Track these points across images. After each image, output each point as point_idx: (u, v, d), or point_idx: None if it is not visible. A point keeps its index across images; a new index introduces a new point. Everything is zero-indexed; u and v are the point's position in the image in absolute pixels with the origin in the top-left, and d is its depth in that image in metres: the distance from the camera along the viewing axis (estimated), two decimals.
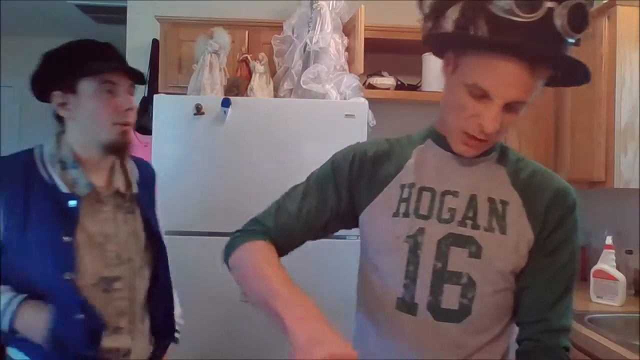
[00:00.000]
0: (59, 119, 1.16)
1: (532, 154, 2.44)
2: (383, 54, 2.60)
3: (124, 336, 1.14)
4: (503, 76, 0.74)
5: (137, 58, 2.68)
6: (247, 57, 2.25)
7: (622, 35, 2.03)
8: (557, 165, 2.44)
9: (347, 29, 2.34)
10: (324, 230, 0.97)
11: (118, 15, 3.16)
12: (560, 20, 0.71)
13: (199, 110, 1.90)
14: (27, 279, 1.08)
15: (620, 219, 2.31)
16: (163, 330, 1.26)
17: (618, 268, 2.02)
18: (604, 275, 2.00)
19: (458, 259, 0.83)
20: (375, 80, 2.48)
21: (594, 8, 2.21)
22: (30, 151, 1.16)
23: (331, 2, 2.28)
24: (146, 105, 2.58)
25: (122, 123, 1.12)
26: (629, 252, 2.16)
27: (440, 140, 0.91)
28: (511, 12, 0.70)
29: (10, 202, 1.07)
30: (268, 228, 0.93)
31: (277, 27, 2.39)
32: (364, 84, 2.40)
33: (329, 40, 2.21)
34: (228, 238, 0.95)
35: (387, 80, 2.50)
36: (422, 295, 0.84)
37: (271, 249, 0.90)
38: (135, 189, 1.22)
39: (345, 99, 2.11)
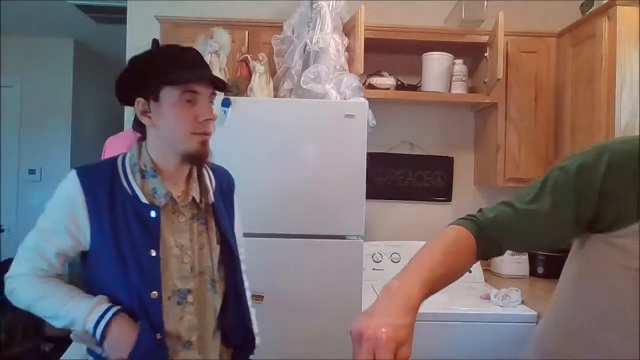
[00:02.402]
0: (141, 126, 1.14)
1: (532, 154, 2.45)
2: (383, 54, 2.61)
3: (194, 352, 1.13)
4: None
5: None
6: (247, 57, 2.25)
7: (622, 35, 2.03)
8: (557, 160, 2.44)
9: (347, 29, 2.34)
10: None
11: (118, 15, 3.16)
12: None
13: None
14: (108, 291, 1.08)
15: None
16: (242, 344, 1.25)
17: None
18: None
19: None
20: (375, 80, 2.48)
21: (594, 8, 2.21)
22: (114, 160, 1.14)
23: (331, 2, 2.28)
24: None
25: (201, 133, 1.10)
26: None
27: None
28: None
29: (97, 212, 1.06)
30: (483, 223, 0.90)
31: (277, 27, 2.39)
32: (364, 84, 2.40)
33: (329, 40, 2.21)
34: None
35: (387, 80, 2.50)
36: None
37: (456, 237, 0.87)
38: (211, 199, 1.19)
39: (345, 99, 2.11)
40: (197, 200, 1.17)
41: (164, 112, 1.08)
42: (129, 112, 2.71)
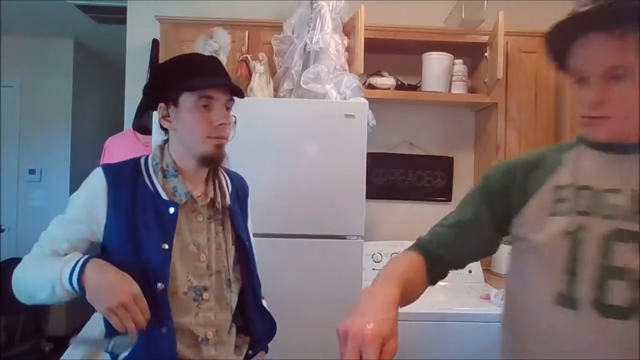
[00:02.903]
0: (164, 129, 1.21)
1: (532, 147, 2.45)
2: (383, 54, 2.61)
3: (210, 347, 1.15)
4: (590, 49, 0.83)
5: (137, 58, 2.69)
6: (247, 57, 2.25)
7: None
8: None
9: (347, 29, 2.34)
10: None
11: (118, 15, 3.16)
12: None
13: None
14: None
15: None
16: (264, 336, 1.31)
17: None
18: None
19: (625, 254, 0.81)
20: (375, 80, 2.48)
21: None
22: (137, 159, 1.21)
23: (331, 2, 2.28)
24: None
25: (215, 137, 1.15)
26: None
27: (593, 143, 0.90)
28: None
29: (116, 206, 1.11)
30: (427, 245, 1.03)
31: (277, 27, 2.39)
32: (364, 84, 2.40)
33: (329, 40, 2.21)
34: None
35: (387, 80, 2.50)
36: (584, 290, 0.83)
37: (409, 259, 0.98)
38: (228, 202, 1.25)
39: (345, 99, 2.11)
40: (216, 202, 1.22)
41: (182, 117, 1.15)
42: (128, 113, 2.71)
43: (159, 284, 1.08)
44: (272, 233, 1.93)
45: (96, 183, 1.13)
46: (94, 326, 1.61)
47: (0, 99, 4.02)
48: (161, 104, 1.17)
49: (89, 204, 1.12)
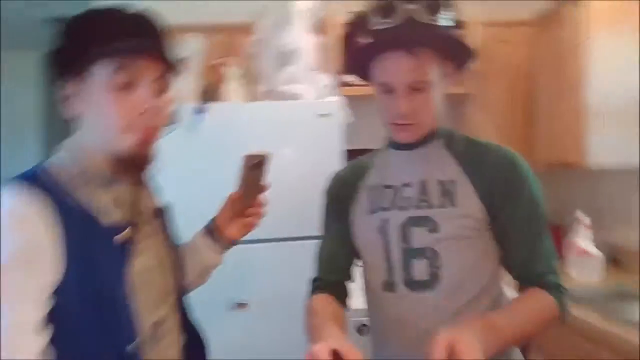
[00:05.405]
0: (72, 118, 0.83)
1: (508, 136, 2.47)
2: None
3: None
4: (394, 66, 0.91)
5: None
6: (221, 62, 2.25)
7: (593, 17, 2.05)
8: (533, 147, 2.49)
9: (321, 28, 2.35)
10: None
11: None
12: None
13: None
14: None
15: (595, 198, 2.37)
16: None
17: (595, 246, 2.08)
18: (581, 252, 2.06)
19: (420, 236, 0.97)
20: (351, 78, 2.48)
21: None
22: (38, 168, 0.81)
23: (304, 1, 2.28)
24: None
25: (138, 129, 0.79)
26: (602, 230, 2.21)
27: (393, 143, 1.05)
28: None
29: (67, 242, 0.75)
30: (321, 279, 1.11)
31: (252, 29, 2.39)
32: (339, 82, 2.41)
33: (303, 40, 2.21)
34: None
35: None
36: (398, 273, 0.99)
37: (322, 299, 1.06)
38: (157, 204, 0.96)
39: (321, 98, 2.12)
40: (155, 215, 0.94)
41: (92, 98, 0.80)
42: None
43: (129, 347, 0.79)
44: (247, 239, 1.88)
45: (30, 213, 0.73)
46: None
47: (0, 103, 4.09)
48: (62, 81, 0.80)
49: (29, 247, 0.73)
